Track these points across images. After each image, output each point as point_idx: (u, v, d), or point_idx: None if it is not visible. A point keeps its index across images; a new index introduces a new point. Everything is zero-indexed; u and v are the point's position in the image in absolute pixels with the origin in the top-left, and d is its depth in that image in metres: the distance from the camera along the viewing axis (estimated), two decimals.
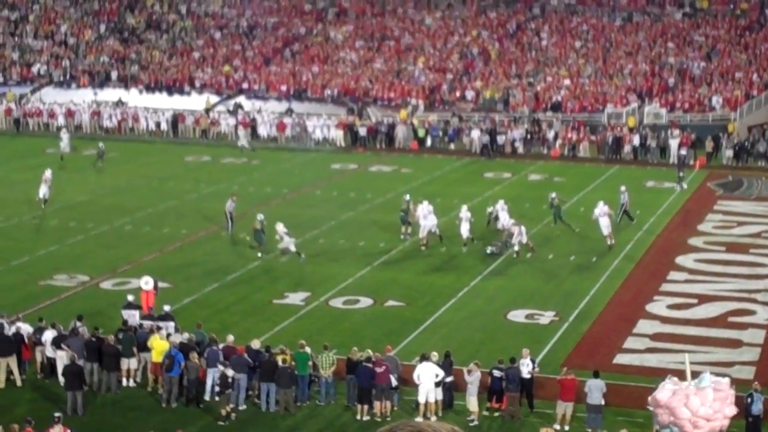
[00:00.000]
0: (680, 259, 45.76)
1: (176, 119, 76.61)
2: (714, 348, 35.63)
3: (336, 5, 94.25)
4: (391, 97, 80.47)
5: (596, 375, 30.26)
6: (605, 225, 47.58)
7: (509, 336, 36.47)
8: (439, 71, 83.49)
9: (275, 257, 45.29)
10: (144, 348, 32.55)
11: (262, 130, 75.10)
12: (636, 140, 69.92)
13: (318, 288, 41.17)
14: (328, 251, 46.57)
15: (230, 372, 30.67)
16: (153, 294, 36.36)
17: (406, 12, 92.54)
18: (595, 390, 29.70)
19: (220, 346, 32.03)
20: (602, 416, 29.84)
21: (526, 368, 30.86)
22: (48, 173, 53.89)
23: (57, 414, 27.57)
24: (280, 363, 30.92)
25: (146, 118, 77.23)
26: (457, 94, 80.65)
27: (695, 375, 10.05)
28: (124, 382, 32.45)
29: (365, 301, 39.89)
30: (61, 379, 31.38)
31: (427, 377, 30.24)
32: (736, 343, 36.20)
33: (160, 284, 38.31)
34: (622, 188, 52.00)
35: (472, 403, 30.37)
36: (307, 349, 31.72)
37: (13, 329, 33.11)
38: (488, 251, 46.16)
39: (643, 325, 37.65)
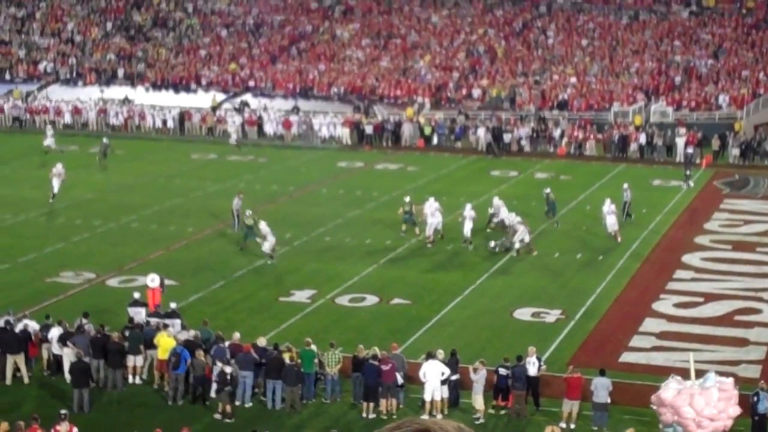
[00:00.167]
0: (687, 258, 45.73)
1: (183, 117, 76.64)
2: (720, 346, 35.61)
3: (342, 3, 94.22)
4: (398, 95, 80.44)
5: (602, 373, 30.26)
6: (612, 223, 47.75)
7: (515, 334, 36.47)
8: (446, 69, 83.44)
9: (280, 254, 45.30)
10: (151, 345, 32.59)
11: (269, 128, 75.13)
12: (642, 139, 69.86)
13: (324, 286, 41.19)
14: (335, 249, 46.57)
15: (228, 369, 30.69)
16: (159, 291, 36.39)
17: (412, 10, 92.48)
18: (601, 388, 29.71)
19: (227, 343, 32.06)
20: (608, 414, 29.86)
21: (532, 366, 30.86)
22: (59, 167, 54.39)
23: (63, 411, 27.65)
24: (287, 360, 30.94)
25: (153, 115, 77.24)
26: (464, 92, 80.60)
27: (700, 374, 10.09)
28: (131, 379, 32.49)
29: (371, 299, 39.90)
30: (68, 377, 31.43)
31: (433, 375, 30.26)
32: (742, 342, 36.19)
33: (167, 282, 38.38)
34: (625, 186, 52.05)
35: (478, 401, 30.38)
36: (313, 347, 31.74)
37: (20, 326, 33.15)
38: (491, 245, 46.20)
39: (650, 324, 37.64)
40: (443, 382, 30.42)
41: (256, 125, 75.28)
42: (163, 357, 31.93)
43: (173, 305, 35.06)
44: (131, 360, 32.48)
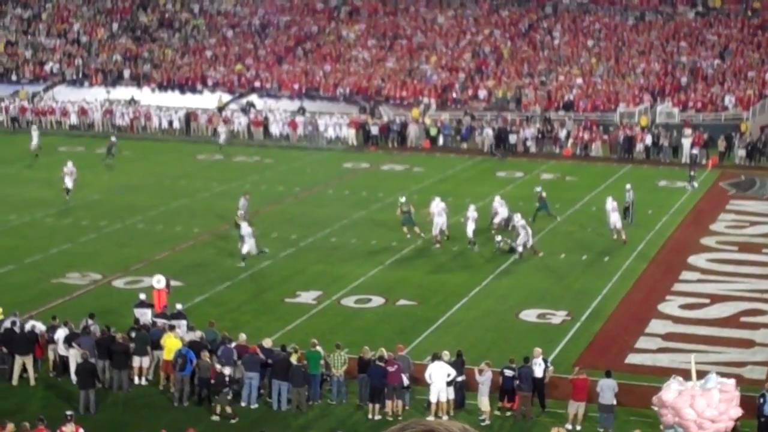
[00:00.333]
0: (692, 259, 45.69)
1: (189, 118, 76.68)
2: (726, 348, 35.59)
3: (348, 4, 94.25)
4: (404, 96, 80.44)
5: (608, 375, 30.25)
6: (615, 220, 47.90)
7: (521, 335, 36.46)
8: (452, 70, 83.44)
9: (285, 255, 45.34)
10: (158, 346, 32.61)
11: (274, 129, 75.17)
12: (648, 139, 69.82)
13: (330, 287, 41.20)
14: (340, 250, 46.58)
15: (228, 370, 30.68)
16: (165, 292, 36.41)
17: (418, 11, 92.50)
18: (607, 390, 29.69)
19: (233, 344, 32.08)
20: (614, 416, 29.84)
21: (538, 368, 30.83)
22: (70, 165, 54.93)
23: (69, 412, 27.66)
24: (294, 362, 30.94)
25: (159, 116, 77.29)
26: (470, 93, 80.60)
27: (702, 375, 10.06)
28: (136, 380, 32.51)
29: (377, 300, 39.90)
30: (74, 378, 31.46)
31: (439, 376, 30.25)
32: (748, 343, 36.16)
33: (173, 283, 38.39)
34: (628, 186, 52.06)
35: (484, 402, 30.38)
36: (319, 348, 31.75)
37: (27, 327, 33.16)
38: (498, 239, 46.25)
39: (656, 325, 37.61)
40: (449, 384, 30.41)
41: (262, 126, 75.32)
42: (169, 358, 31.95)
43: (179, 306, 35.11)
44: (137, 361, 32.51)
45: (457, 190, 57.71)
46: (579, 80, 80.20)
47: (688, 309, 39.29)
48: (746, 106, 74.50)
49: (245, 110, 78.29)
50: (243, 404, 31.15)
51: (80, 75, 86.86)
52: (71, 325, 33.22)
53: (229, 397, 31.10)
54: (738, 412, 8.45)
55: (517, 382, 30.63)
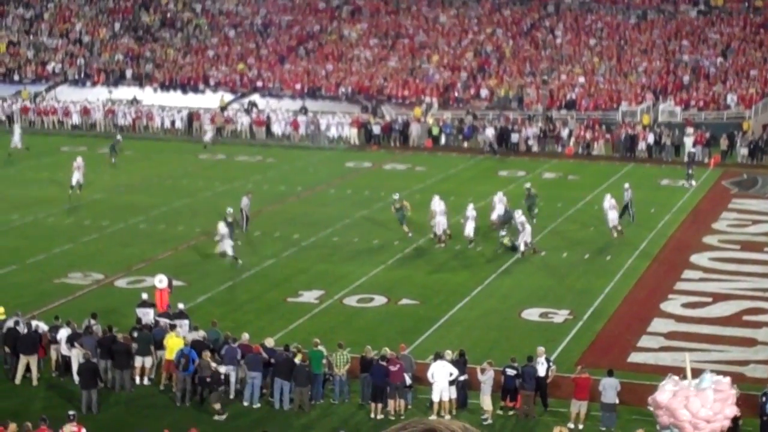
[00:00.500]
0: (695, 258, 45.68)
1: (191, 117, 76.71)
2: (728, 347, 35.58)
3: (350, 3, 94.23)
4: (406, 95, 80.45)
5: (610, 374, 30.23)
6: (613, 218, 48.06)
7: (523, 335, 36.45)
8: (454, 69, 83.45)
9: (287, 255, 45.37)
10: (160, 346, 32.61)
11: (277, 129, 75.21)
12: (651, 138, 69.81)
13: (332, 286, 41.20)
14: (342, 249, 46.59)
15: (223, 369, 30.68)
16: (167, 292, 36.42)
17: (420, 10, 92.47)
18: (610, 389, 29.69)
19: (236, 344, 32.08)
20: (616, 415, 29.83)
21: (541, 367, 30.82)
22: (79, 160, 55.49)
23: (71, 412, 27.66)
24: (297, 361, 30.94)
25: (161, 116, 77.32)
26: (472, 92, 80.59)
27: (696, 374, 10.05)
28: (138, 380, 32.49)
29: (379, 300, 39.90)
30: (76, 378, 31.46)
31: (441, 376, 30.25)
32: (750, 342, 36.15)
33: (175, 282, 38.42)
34: (626, 185, 52.06)
35: (486, 401, 30.37)
36: (321, 348, 31.75)
37: (28, 327, 33.15)
38: (502, 233, 46.28)
39: (658, 324, 37.60)
40: (451, 383, 30.40)
41: (265, 126, 75.38)
42: (171, 357, 31.95)
43: (181, 306, 35.11)
44: (139, 361, 32.51)
45: (460, 189, 57.69)
46: (581, 79, 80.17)
47: (690, 308, 39.28)
48: (748, 105, 74.49)
49: (247, 110, 78.32)
50: (245, 404, 31.16)
51: (82, 75, 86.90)
52: (74, 324, 33.22)
53: (230, 396, 31.14)
54: (733, 411, 8.41)
55: (520, 381, 30.62)
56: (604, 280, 42.63)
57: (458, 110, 77.68)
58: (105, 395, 31.44)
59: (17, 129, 68.73)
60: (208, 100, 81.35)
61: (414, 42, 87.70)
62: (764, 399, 29.35)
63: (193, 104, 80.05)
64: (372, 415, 30.64)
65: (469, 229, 46.57)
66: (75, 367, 31.81)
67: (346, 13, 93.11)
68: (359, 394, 31.49)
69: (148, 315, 34.67)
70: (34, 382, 32.47)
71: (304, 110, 77.47)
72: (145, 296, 35.68)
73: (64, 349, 32.71)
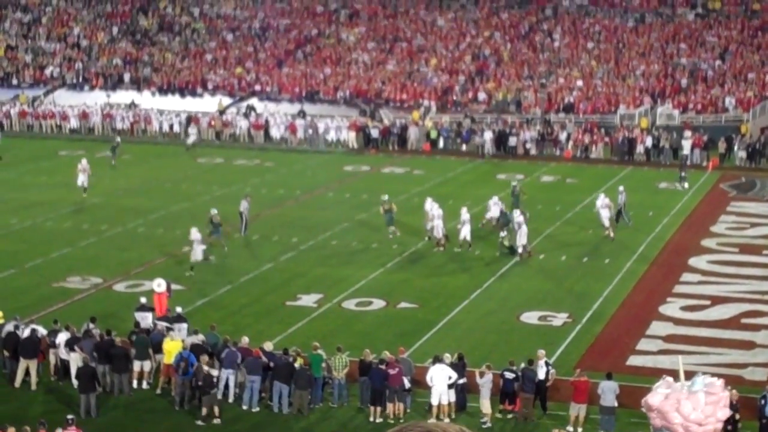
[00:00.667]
0: (693, 261, 45.70)
1: (190, 121, 76.68)
2: (727, 350, 35.58)
3: (348, 7, 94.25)
4: (404, 98, 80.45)
5: (609, 377, 30.23)
6: (605, 217, 48.46)
7: (522, 338, 36.45)
8: (452, 73, 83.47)
9: (285, 258, 45.37)
10: (159, 350, 32.58)
11: (275, 132, 75.24)
12: (649, 141, 69.84)
13: (331, 290, 41.19)
14: (341, 253, 46.59)
15: (215, 372, 30.62)
16: (166, 296, 36.42)
17: (418, 13, 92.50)
18: (608, 392, 29.67)
19: (236, 347, 32.05)
20: (615, 418, 29.81)
21: (541, 370, 30.81)
22: (84, 162, 56.47)
23: (70, 416, 27.64)
24: (296, 365, 30.92)
25: (159, 120, 77.32)
26: (470, 95, 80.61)
27: (690, 376, 10.03)
28: (135, 384, 32.43)
29: (378, 303, 39.89)
30: (75, 382, 31.43)
31: (440, 379, 30.23)
32: (749, 345, 36.15)
33: (173, 286, 38.41)
34: (620, 188, 52.17)
35: (485, 405, 30.36)
36: (320, 351, 31.75)
37: (27, 331, 33.08)
38: (502, 234, 46.34)
39: (656, 327, 37.61)
40: (450, 386, 30.39)
41: (263, 129, 75.42)
42: (169, 361, 31.94)
43: (179, 309, 35.10)
44: (138, 365, 32.47)
45: (458, 192, 57.69)
46: (579, 82, 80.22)
47: (689, 311, 39.29)
48: (746, 108, 74.52)
49: (246, 114, 78.34)
50: (244, 407, 31.14)
51: (80, 79, 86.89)
52: (73, 328, 33.19)
53: (230, 400, 31.14)
54: (726, 413, 8.34)
55: (519, 384, 30.60)
56: (603, 283, 42.64)
57: (456, 114, 77.71)
58: (104, 399, 31.41)
59: None
60: (207, 104, 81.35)
61: (412, 45, 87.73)
62: (763, 402, 29.34)
63: (191, 108, 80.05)
64: (371, 419, 30.63)
65: (465, 232, 46.63)
66: (74, 371, 31.78)
67: (344, 17, 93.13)
68: (358, 397, 31.47)
69: (146, 319, 34.64)
70: (33, 387, 32.44)
71: (302, 114, 77.47)
72: (143, 300, 35.66)
73: (62, 353, 32.68)
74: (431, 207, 47.90)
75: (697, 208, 56.02)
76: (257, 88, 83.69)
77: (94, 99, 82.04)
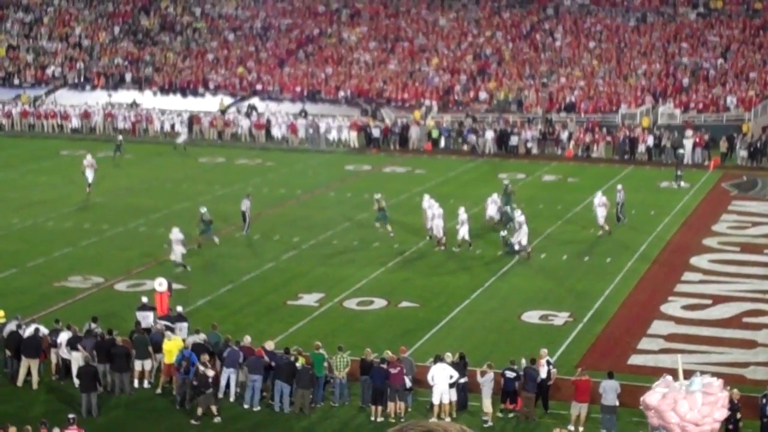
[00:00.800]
0: (695, 260, 45.68)
1: (192, 121, 76.81)
2: (728, 349, 35.57)
3: (349, 6, 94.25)
4: (405, 98, 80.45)
5: (611, 376, 30.22)
6: (601, 215, 48.89)
7: (523, 337, 36.44)
8: (453, 72, 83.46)
9: (287, 258, 45.39)
10: (159, 349, 32.58)
11: (276, 132, 75.26)
12: (650, 140, 69.82)
13: (332, 289, 41.19)
14: (342, 252, 46.59)
15: (211, 372, 30.59)
16: (167, 295, 36.43)
17: (419, 13, 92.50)
18: (610, 391, 29.66)
19: (238, 347, 32.05)
20: (617, 417, 29.80)
21: (542, 369, 30.80)
22: (89, 158, 57.46)
23: (71, 415, 27.65)
24: (298, 365, 30.92)
25: (161, 120, 77.33)
26: (471, 94, 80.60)
27: (689, 376, 10.03)
28: (136, 383, 32.43)
29: (379, 302, 39.89)
30: (76, 381, 31.43)
31: (441, 378, 30.24)
32: (750, 344, 36.14)
33: (175, 286, 38.42)
34: (619, 187, 52.24)
35: (486, 404, 30.36)
36: (322, 351, 31.75)
37: (29, 331, 33.08)
38: (503, 233, 46.36)
39: (658, 326, 37.59)
40: (451, 386, 30.40)
41: (264, 129, 75.45)
42: (169, 361, 31.94)
43: (180, 309, 35.12)
44: (139, 364, 32.47)
45: (459, 192, 57.68)
46: (581, 82, 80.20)
47: (690, 310, 39.27)
48: (748, 107, 74.50)
49: (247, 113, 78.36)
50: (246, 406, 31.15)
51: (82, 79, 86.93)
52: (74, 328, 33.20)
53: (231, 399, 31.15)
54: (723, 414, 8.37)
55: (518, 383, 30.59)
56: (604, 283, 42.63)
57: (458, 113, 77.72)
58: (105, 398, 31.42)
59: None
60: (208, 104, 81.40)
61: (413, 45, 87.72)
62: (764, 401, 29.33)
63: (192, 108, 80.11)
64: (372, 418, 30.63)
65: (463, 232, 46.66)
66: (75, 371, 31.79)
67: (346, 17, 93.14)
68: (359, 396, 31.48)
69: (147, 318, 34.65)
70: (35, 386, 32.44)
71: (303, 113, 77.49)
72: (145, 299, 35.68)
73: (64, 353, 32.69)
74: (430, 205, 48.03)
75: (698, 207, 56.01)
76: (259, 87, 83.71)
77: (96, 99, 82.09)
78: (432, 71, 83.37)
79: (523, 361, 31.12)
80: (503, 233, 46.72)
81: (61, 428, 26.99)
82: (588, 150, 70.56)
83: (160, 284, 36.45)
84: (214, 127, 76.26)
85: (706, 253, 46.67)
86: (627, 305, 40.12)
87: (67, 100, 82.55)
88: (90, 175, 56.94)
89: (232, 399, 31.51)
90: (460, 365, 30.97)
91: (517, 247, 45.50)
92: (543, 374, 30.70)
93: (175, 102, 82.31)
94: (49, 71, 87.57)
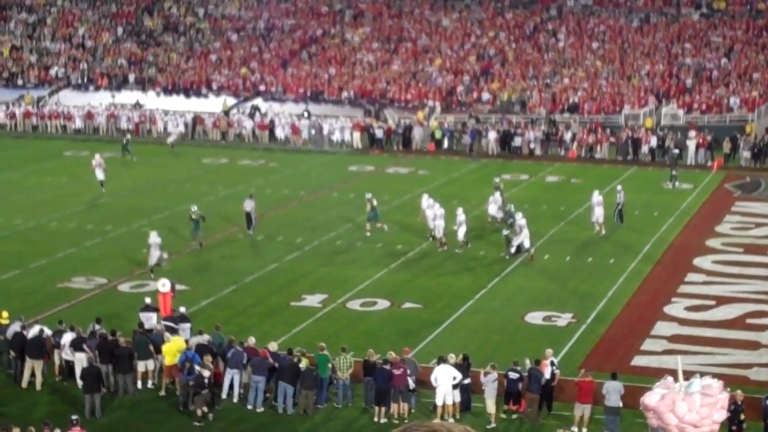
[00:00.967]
0: (698, 261, 45.66)
1: (195, 121, 76.86)
2: (732, 350, 35.55)
3: (353, 7, 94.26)
4: (408, 98, 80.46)
5: (614, 377, 30.21)
6: (598, 214, 49.07)
7: (527, 338, 36.43)
8: (456, 73, 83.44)
9: (290, 258, 45.41)
10: (160, 351, 32.56)
11: (279, 132, 75.27)
12: (653, 141, 69.80)
13: (335, 290, 41.20)
14: (346, 253, 46.59)
15: (206, 373, 30.56)
16: (170, 296, 36.43)
17: (422, 13, 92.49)
18: (613, 392, 29.65)
19: (243, 347, 32.04)
20: (620, 418, 29.78)
21: (547, 370, 30.78)
22: (98, 158, 58.12)
23: (75, 417, 27.65)
24: (301, 366, 30.92)
25: (164, 120, 77.35)
26: (474, 95, 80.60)
27: (689, 377, 10.02)
28: (140, 384, 32.43)
29: (382, 303, 39.90)
30: (79, 382, 31.42)
31: (445, 379, 30.24)
32: (754, 345, 36.12)
33: (178, 287, 38.45)
34: (618, 188, 52.25)
35: (490, 405, 30.35)
36: (326, 352, 31.76)
37: (33, 332, 33.05)
38: (505, 232, 46.39)
39: (661, 327, 37.58)
40: (455, 387, 30.40)
41: (268, 129, 75.47)
42: (170, 362, 31.92)
43: (183, 309, 35.12)
44: (141, 365, 32.46)
45: (463, 192, 57.69)
46: (584, 83, 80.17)
47: (693, 311, 39.26)
48: (751, 108, 74.45)
49: (251, 114, 78.37)
50: (249, 407, 31.15)
51: (85, 79, 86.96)
52: (78, 329, 33.21)
53: (234, 400, 31.15)
54: (723, 415, 8.33)
55: (522, 384, 30.58)
56: (608, 284, 42.61)
57: (461, 114, 77.70)
58: (108, 399, 31.43)
59: None
60: (211, 105, 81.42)
61: (417, 46, 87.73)
62: None
63: (196, 108, 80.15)
64: (375, 419, 30.64)
65: (461, 233, 46.70)
66: (78, 372, 31.79)
67: (349, 17, 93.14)
68: (363, 397, 31.48)
69: (151, 319, 34.66)
70: (38, 387, 32.45)
71: (307, 114, 77.50)
72: (148, 300, 35.69)
73: (67, 354, 32.69)
74: (430, 205, 48.19)
75: (701, 208, 55.97)
76: (262, 88, 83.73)
77: (99, 99, 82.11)
78: (435, 72, 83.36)
79: (527, 362, 31.11)
80: (506, 232, 46.71)
81: (64, 429, 27.00)
82: (591, 151, 70.54)
83: (164, 285, 36.47)
84: (218, 127, 76.28)
85: (709, 254, 46.65)
86: (630, 306, 40.11)
87: (71, 100, 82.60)
88: (100, 174, 57.52)
89: (235, 400, 31.51)
90: (463, 366, 30.97)
91: (513, 250, 45.50)
92: (547, 375, 30.69)
93: (178, 103, 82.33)
94: (52, 72, 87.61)
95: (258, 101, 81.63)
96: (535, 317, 38.58)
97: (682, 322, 38.14)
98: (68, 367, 32.77)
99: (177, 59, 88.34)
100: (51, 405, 31.47)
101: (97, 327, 33.36)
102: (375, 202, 49.31)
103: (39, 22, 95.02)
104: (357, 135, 73.43)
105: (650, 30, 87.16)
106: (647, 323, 38.03)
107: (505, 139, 71.52)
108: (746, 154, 68.36)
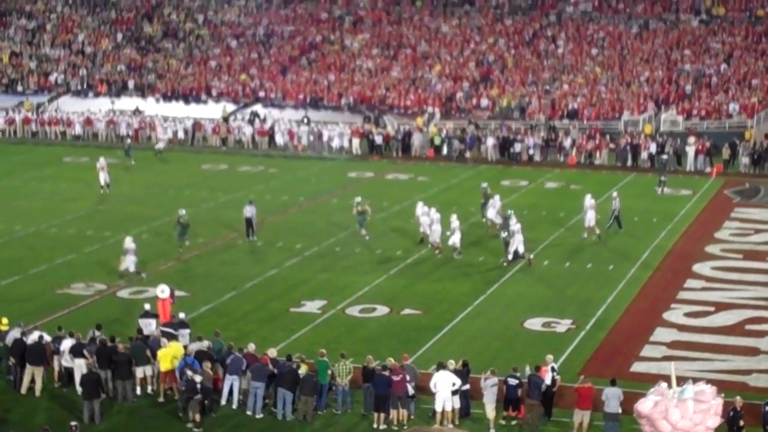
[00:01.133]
0: (697, 267, 45.67)
1: (195, 128, 76.92)
2: (731, 356, 35.54)
3: (352, 13, 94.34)
4: (408, 105, 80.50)
5: (613, 383, 30.18)
6: (590, 218, 49.34)
7: (526, 344, 36.42)
8: (456, 79, 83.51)
9: (289, 265, 45.42)
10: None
11: (279, 139, 75.31)
12: (653, 147, 69.83)
13: (334, 296, 41.20)
14: (345, 259, 46.60)
15: (198, 378, 30.51)
16: (169, 302, 36.42)
17: (422, 20, 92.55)
18: (613, 398, 29.62)
19: (242, 353, 32.02)
20: (619, 425, 29.75)
21: (547, 376, 30.76)
22: (102, 161, 58.92)
23: (74, 423, 27.60)
24: (301, 372, 30.91)
25: (164, 127, 77.34)
26: (474, 101, 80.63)
27: (682, 383, 10.00)
28: (138, 390, 32.40)
29: (382, 309, 39.89)
30: (79, 389, 31.40)
31: (444, 385, 30.22)
32: (753, 351, 36.11)
33: (177, 293, 38.44)
34: (614, 194, 52.33)
35: (489, 411, 30.32)
36: (326, 358, 31.73)
37: (32, 338, 33.03)
38: (503, 234, 46.41)
39: (660, 333, 37.58)
40: (454, 393, 30.38)
41: (267, 136, 75.50)
42: (165, 369, 31.84)
43: (182, 315, 35.10)
44: (140, 371, 32.42)
45: (462, 199, 57.71)
46: (583, 89, 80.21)
47: (693, 317, 39.26)
48: (751, 114, 74.52)
49: (250, 120, 78.41)
50: (248, 413, 31.13)
51: (85, 85, 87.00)
52: (78, 335, 33.19)
53: (234, 406, 31.14)
54: (716, 421, 8.31)
55: (521, 390, 30.55)
56: (607, 290, 42.62)
57: (460, 120, 77.74)
58: (108, 406, 31.38)
59: None
60: (211, 111, 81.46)
61: (416, 52, 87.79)
62: (767, 408, 29.29)
63: (195, 115, 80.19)
64: (374, 425, 30.60)
65: (455, 239, 46.73)
66: (78, 378, 31.77)
67: (348, 24, 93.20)
68: (362, 404, 31.46)
69: (150, 326, 34.63)
70: (37, 393, 32.43)
71: (306, 120, 77.54)
72: (147, 307, 35.67)
73: (66, 360, 32.66)
74: (424, 212, 48.32)
75: (700, 214, 55.99)
76: (261, 94, 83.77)
77: (99, 105, 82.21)
78: (435, 78, 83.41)
79: (527, 368, 31.10)
80: (504, 234, 46.73)
81: None
82: (590, 157, 70.59)
83: (162, 291, 36.46)
84: (217, 134, 76.33)
85: (708, 261, 46.67)
86: (630, 312, 40.11)
87: (70, 107, 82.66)
88: (103, 176, 58.19)
89: (234, 406, 31.48)
90: (462, 372, 30.94)
91: (510, 257, 45.51)
92: (548, 381, 30.67)
93: (177, 109, 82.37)
94: (52, 78, 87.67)
95: (257, 107, 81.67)
96: (534, 323, 38.58)
97: (682, 328, 38.14)
98: (67, 373, 32.75)
99: (176, 65, 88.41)
100: (50, 411, 31.42)
101: (96, 333, 33.33)
102: (365, 207, 49.27)
103: (38, 28, 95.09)
104: (356, 141, 73.49)
105: (649, 36, 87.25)
106: (646, 329, 38.03)
107: (504, 146, 71.57)
108: (745, 160, 68.42)
